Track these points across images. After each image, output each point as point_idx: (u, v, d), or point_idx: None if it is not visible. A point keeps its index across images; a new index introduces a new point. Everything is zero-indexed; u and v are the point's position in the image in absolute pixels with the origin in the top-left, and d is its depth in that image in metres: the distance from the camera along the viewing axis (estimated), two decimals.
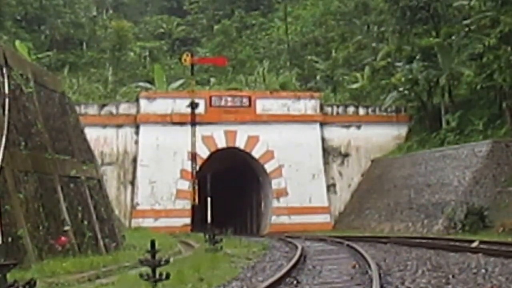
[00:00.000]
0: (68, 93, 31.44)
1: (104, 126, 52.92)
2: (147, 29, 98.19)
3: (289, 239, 37.04)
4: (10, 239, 19.14)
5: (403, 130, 57.19)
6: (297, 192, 54.27)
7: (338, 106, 57.97)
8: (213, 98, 54.82)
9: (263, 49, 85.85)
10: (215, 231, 31.24)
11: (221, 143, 54.63)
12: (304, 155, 54.69)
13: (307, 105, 56.25)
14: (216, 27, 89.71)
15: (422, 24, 53.77)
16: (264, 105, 55.57)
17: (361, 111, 57.55)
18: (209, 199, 41.40)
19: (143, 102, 54.14)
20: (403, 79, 52.72)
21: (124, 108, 54.28)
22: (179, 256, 28.14)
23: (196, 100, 48.02)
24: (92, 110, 53.24)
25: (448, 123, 50.50)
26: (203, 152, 53.15)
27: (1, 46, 23.55)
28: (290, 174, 54.65)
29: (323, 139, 56.04)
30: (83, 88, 66.51)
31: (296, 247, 27.75)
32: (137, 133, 53.72)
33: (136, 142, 53.61)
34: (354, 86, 64.28)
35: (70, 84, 60.59)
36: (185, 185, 51.96)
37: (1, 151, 19.96)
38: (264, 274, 19.24)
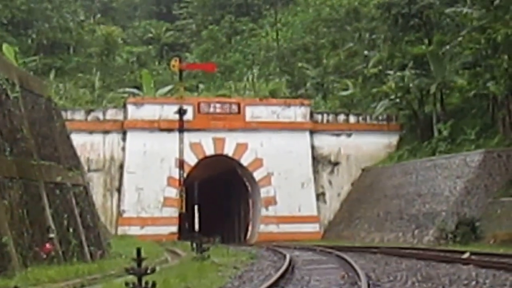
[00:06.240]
0: (54, 98, 31.03)
1: (91, 132, 52.43)
2: (136, 34, 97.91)
3: (277, 248, 36.76)
4: None
5: (394, 139, 56.94)
6: (286, 201, 53.95)
7: (328, 114, 57.60)
8: (201, 105, 54.38)
9: (252, 55, 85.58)
10: (202, 240, 30.95)
11: (209, 150, 54.16)
12: (294, 163, 54.38)
13: (297, 113, 55.91)
14: (203, 32, 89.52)
15: (414, 32, 53.58)
16: (254, 112, 55.20)
17: (352, 119, 57.29)
18: (196, 207, 41.23)
19: (130, 108, 53.69)
20: (394, 86, 52.51)
21: (111, 114, 53.85)
22: (165, 264, 27.91)
23: (184, 107, 47.78)
24: (79, 115, 52.77)
25: (439, 132, 50.25)
26: (191, 159, 52.75)
27: None
28: (279, 182, 54.31)
29: (313, 147, 55.75)
30: (69, 93, 66.05)
31: (285, 257, 27.55)
32: (124, 139, 53.25)
33: (123, 149, 53.15)
34: (345, 93, 64.12)
35: (56, 89, 60.05)
36: (173, 192, 51.55)
37: None
38: (251, 283, 19.11)
